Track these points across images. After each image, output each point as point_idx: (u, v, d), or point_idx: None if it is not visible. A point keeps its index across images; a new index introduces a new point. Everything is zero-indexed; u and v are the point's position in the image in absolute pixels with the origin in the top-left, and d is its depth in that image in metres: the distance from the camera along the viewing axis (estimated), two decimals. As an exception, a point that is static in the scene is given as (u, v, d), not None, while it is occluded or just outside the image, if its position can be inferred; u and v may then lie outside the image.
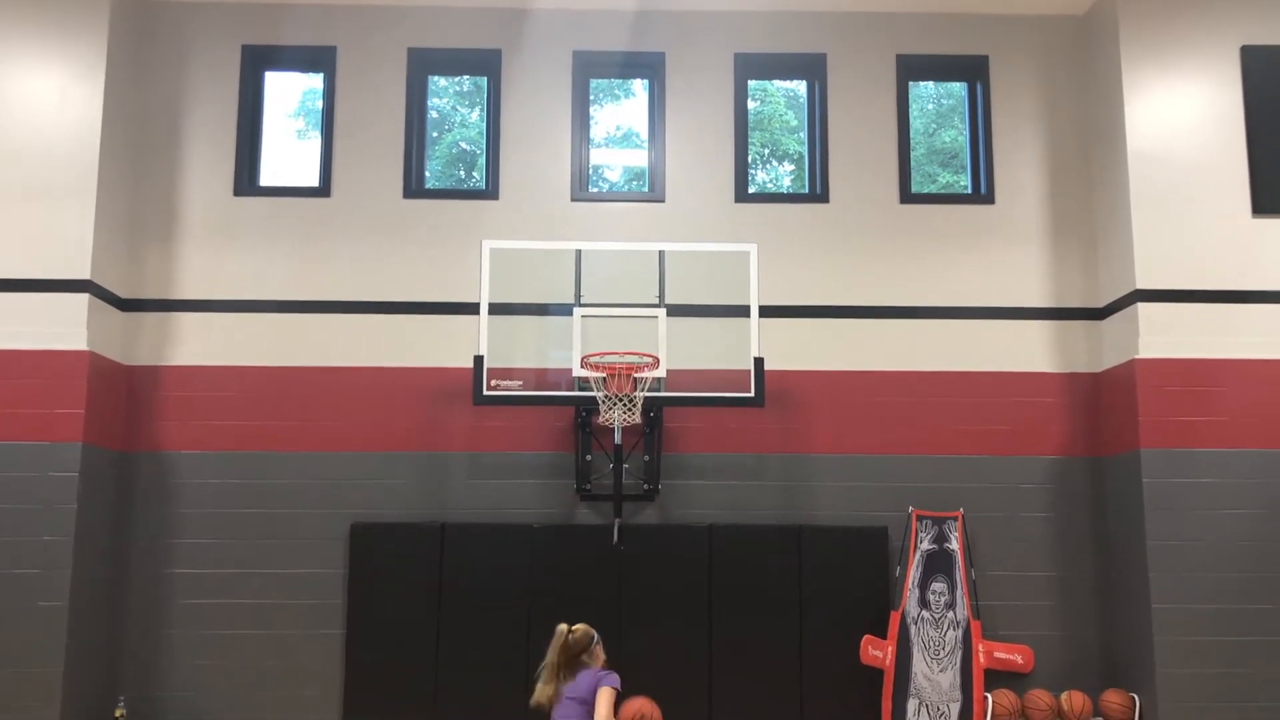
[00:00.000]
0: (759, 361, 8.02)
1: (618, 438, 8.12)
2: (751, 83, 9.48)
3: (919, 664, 8.18)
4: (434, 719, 8.11)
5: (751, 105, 9.66)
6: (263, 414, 8.58)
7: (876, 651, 8.18)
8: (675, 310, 8.18)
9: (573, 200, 8.99)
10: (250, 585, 8.34)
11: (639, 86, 9.66)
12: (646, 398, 7.99)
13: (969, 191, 9.32)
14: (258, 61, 9.15)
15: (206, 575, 8.36)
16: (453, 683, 8.15)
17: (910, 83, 9.38)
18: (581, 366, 7.99)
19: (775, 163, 10.82)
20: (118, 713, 7.94)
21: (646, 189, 9.23)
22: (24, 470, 7.79)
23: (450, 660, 8.19)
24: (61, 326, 7.99)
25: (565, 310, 8.19)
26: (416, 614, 8.24)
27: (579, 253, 8.30)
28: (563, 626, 5.89)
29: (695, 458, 8.64)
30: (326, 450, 8.55)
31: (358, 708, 8.15)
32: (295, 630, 8.30)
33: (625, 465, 8.29)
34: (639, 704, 7.49)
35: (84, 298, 8.04)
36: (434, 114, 10.01)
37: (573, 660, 5.81)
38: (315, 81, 9.42)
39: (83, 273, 8.06)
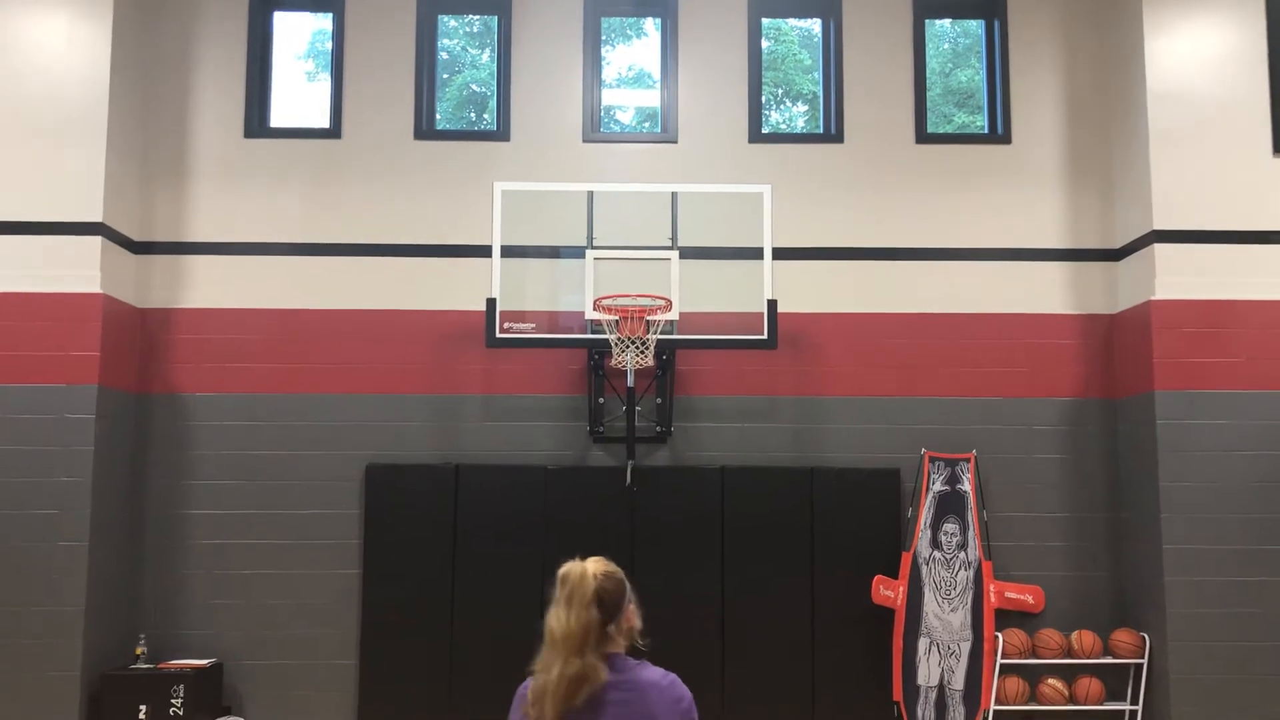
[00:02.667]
0: (772, 304, 7.99)
1: (630, 380, 8.12)
2: (765, 21, 9.35)
3: (930, 604, 8.24)
4: (449, 656, 8.22)
5: (765, 44, 9.53)
6: (276, 356, 8.60)
7: (888, 591, 8.24)
8: (688, 252, 8.15)
9: (584, 141, 8.92)
10: (266, 526, 8.42)
11: (651, 26, 9.54)
12: (659, 340, 7.98)
13: (985, 131, 9.21)
14: (266, 2, 9.05)
15: (223, 516, 8.44)
16: (468, 621, 8.24)
17: (927, 20, 9.23)
18: (594, 309, 7.98)
19: (789, 103, 10.71)
20: (138, 650, 8.06)
21: (659, 130, 9.15)
22: (41, 413, 7.85)
23: (465, 599, 8.28)
24: (75, 269, 8.00)
25: (578, 253, 8.16)
26: (431, 554, 8.31)
27: (591, 194, 8.24)
28: (578, 565, 3.10)
29: (708, 400, 8.66)
30: (340, 392, 8.59)
31: (374, 645, 8.26)
32: (312, 570, 8.39)
33: (638, 407, 8.30)
34: None
35: (96, 240, 8.03)
36: (444, 55, 9.91)
37: (604, 625, 3.02)
38: (324, 22, 9.32)
39: (95, 215, 8.05)
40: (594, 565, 3.09)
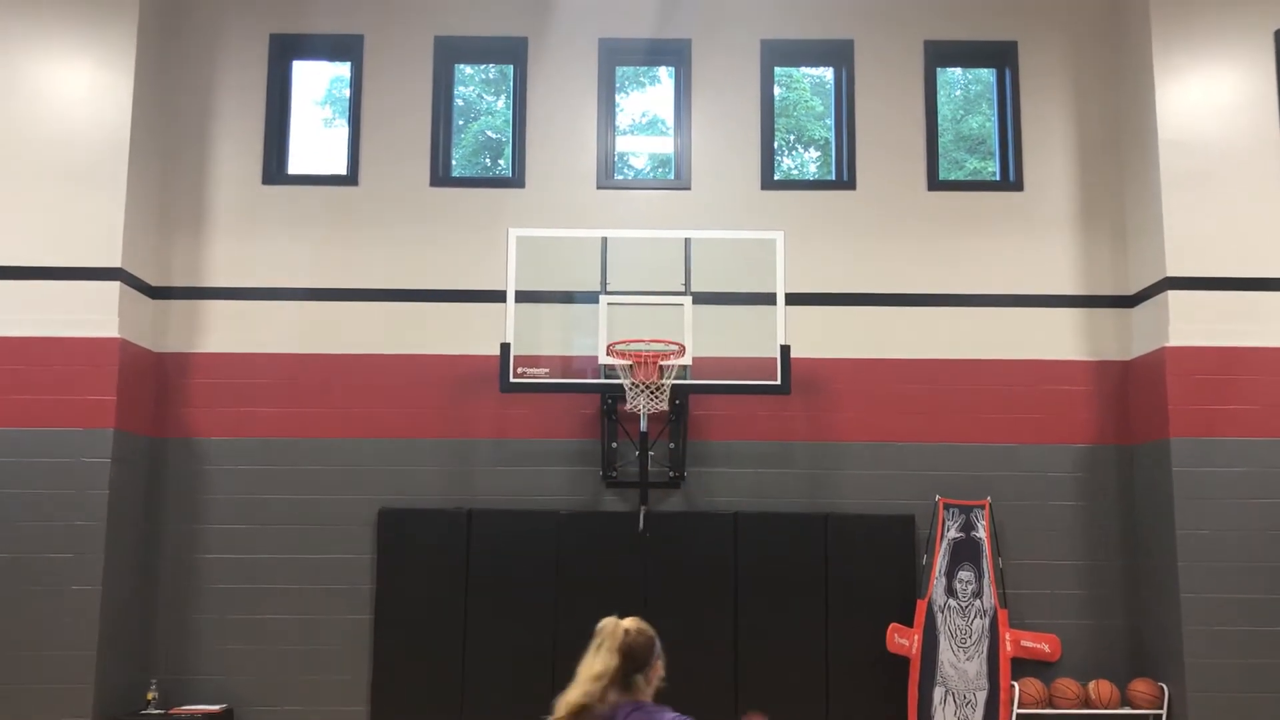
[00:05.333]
0: (785, 349, 8.00)
1: (644, 425, 8.13)
2: (778, 69, 9.44)
3: (945, 652, 8.17)
4: (461, 704, 8.17)
5: (777, 91, 9.62)
6: (291, 401, 8.64)
7: (903, 640, 8.17)
8: (701, 298, 8.18)
9: (598, 188, 8.99)
10: (279, 570, 8.42)
11: (665, 74, 9.65)
12: (673, 385, 8.00)
13: (997, 178, 9.25)
14: (285, 50, 9.19)
15: (236, 560, 8.44)
16: (479, 667, 8.20)
17: (938, 69, 9.31)
18: (607, 354, 8.00)
19: (801, 149, 10.79)
20: (149, 695, 8.04)
21: (672, 176, 9.22)
22: (57, 456, 7.88)
23: (477, 645, 8.24)
24: (93, 314, 8.06)
25: (591, 298, 8.20)
26: (444, 599, 8.29)
27: (605, 240, 8.29)
28: (616, 622, 3.64)
29: (721, 445, 8.64)
30: (354, 436, 8.61)
31: (385, 692, 8.21)
32: (324, 615, 8.37)
33: (651, 452, 8.30)
34: None
35: (115, 285, 8.11)
36: (460, 102, 10.03)
37: (628, 673, 3.56)
38: (342, 70, 9.46)
39: (113, 260, 8.13)
40: (628, 622, 3.60)
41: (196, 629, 8.38)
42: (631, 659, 3.54)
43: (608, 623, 3.62)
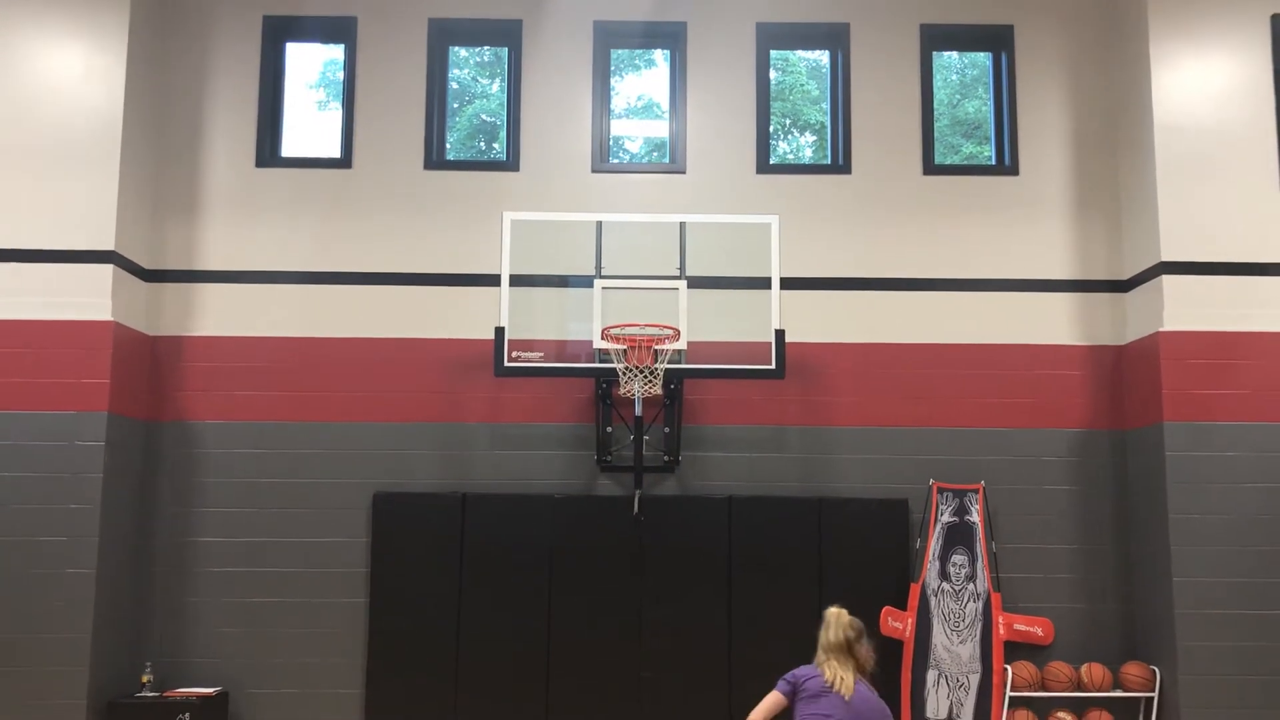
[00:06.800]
0: (780, 333, 8.01)
1: (638, 409, 8.13)
2: (773, 53, 9.42)
3: (939, 636, 8.20)
4: (456, 686, 8.20)
5: (773, 75, 9.59)
6: (285, 385, 8.63)
7: (896, 623, 8.20)
8: (696, 282, 8.18)
9: (593, 171, 8.98)
10: (274, 554, 8.43)
11: (660, 57, 9.62)
12: (667, 369, 8.00)
13: (993, 163, 9.25)
14: (279, 33, 9.15)
15: (231, 544, 8.44)
16: (474, 650, 8.22)
17: (934, 53, 9.29)
18: (602, 338, 8.00)
19: (796, 133, 10.76)
20: (144, 678, 8.05)
21: (667, 160, 9.20)
22: (51, 440, 7.88)
23: (471, 628, 8.26)
24: (86, 297, 8.05)
25: (586, 282, 8.19)
26: (439, 583, 8.30)
27: (599, 224, 8.30)
28: (838, 610, 5.44)
29: (715, 429, 8.65)
30: (348, 421, 8.60)
31: (381, 675, 8.24)
32: (319, 598, 8.38)
33: (645, 437, 8.31)
34: None
35: (108, 269, 8.09)
36: (454, 85, 9.99)
37: (852, 645, 5.32)
38: (336, 53, 9.41)
39: (107, 244, 8.10)
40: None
41: (191, 612, 8.39)
42: (853, 634, 5.32)
43: (836, 611, 5.43)
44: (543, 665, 8.19)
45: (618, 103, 9.68)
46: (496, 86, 10.29)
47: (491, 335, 8.05)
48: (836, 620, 5.32)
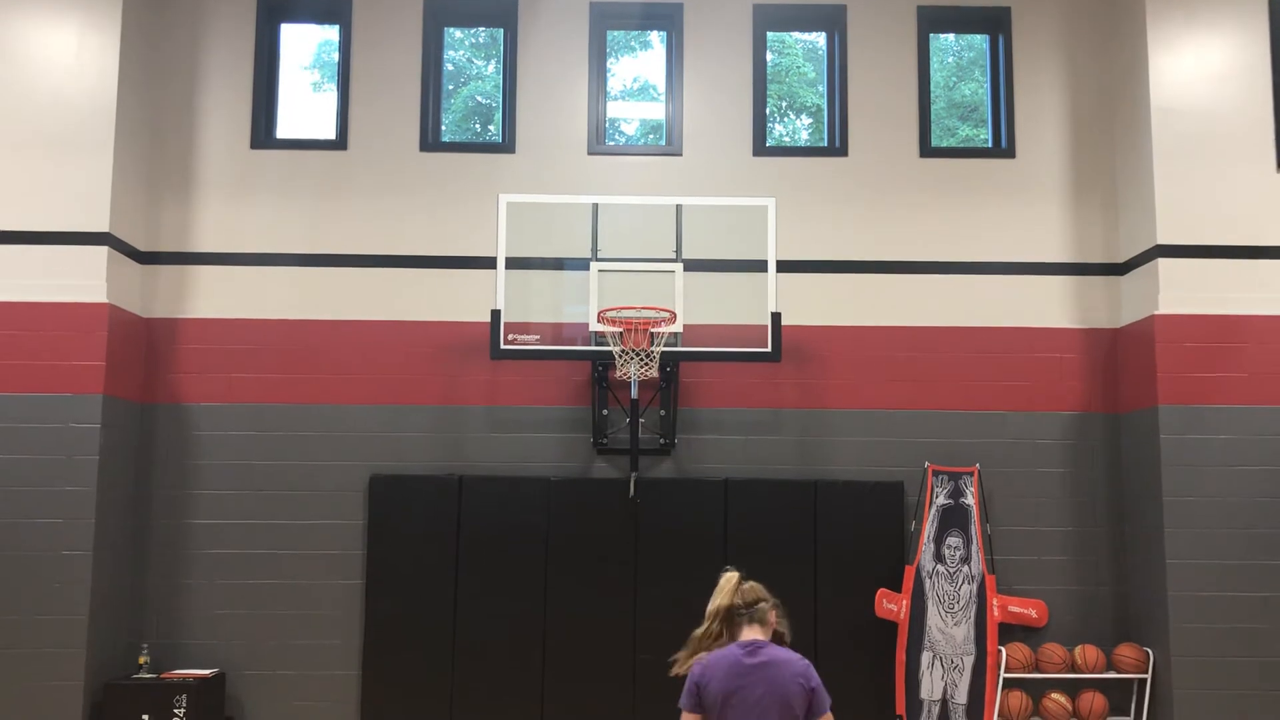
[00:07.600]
0: (776, 316, 8.01)
1: (634, 392, 8.14)
2: (770, 35, 9.38)
3: (933, 618, 8.23)
4: (453, 667, 8.22)
5: (769, 57, 9.56)
6: (281, 367, 8.62)
7: (891, 605, 8.23)
8: (692, 265, 8.17)
9: (589, 154, 8.95)
10: (270, 536, 8.43)
11: (656, 39, 9.58)
12: (663, 352, 8.00)
13: (989, 145, 9.23)
14: (273, 13, 9.10)
15: (227, 526, 8.45)
16: (470, 632, 8.24)
17: (931, 35, 9.26)
18: (598, 321, 8.00)
19: (793, 116, 10.74)
20: (141, 660, 8.07)
21: (664, 142, 9.17)
22: (46, 422, 7.86)
23: (468, 610, 8.28)
24: (81, 279, 8.02)
25: (582, 264, 8.18)
26: (435, 565, 8.32)
27: (595, 206, 8.28)
28: (732, 573, 4.80)
29: (711, 412, 8.66)
30: (344, 403, 8.60)
31: (377, 656, 8.26)
32: (315, 580, 8.40)
33: (641, 419, 8.32)
34: None
35: (103, 250, 8.06)
36: (450, 66, 9.95)
37: (746, 607, 4.72)
38: (331, 33, 9.37)
39: (101, 225, 8.08)
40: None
41: (188, 594, 8.40)
42: (748, 598, 4.82)
43: (730, 575, 4.86)
44: (539, 647, 8.22)
45: (614, 85, 9.64)
46: (492, 68, 10.25)
47: (487, 318, 8.04)
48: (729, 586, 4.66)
